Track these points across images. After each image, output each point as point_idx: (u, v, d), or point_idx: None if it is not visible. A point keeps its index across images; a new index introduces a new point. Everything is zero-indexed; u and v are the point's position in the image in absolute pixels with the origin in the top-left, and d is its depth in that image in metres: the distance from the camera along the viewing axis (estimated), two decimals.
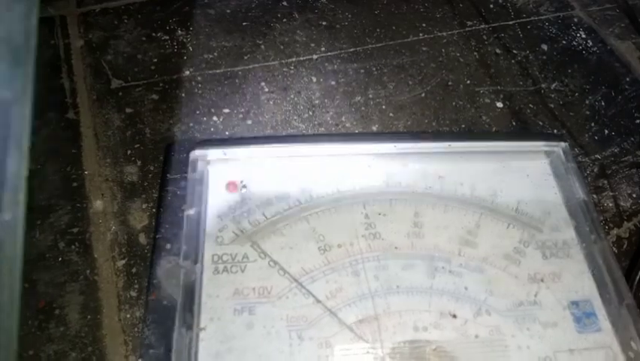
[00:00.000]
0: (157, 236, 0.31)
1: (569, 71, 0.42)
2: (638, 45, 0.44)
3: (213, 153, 0.28)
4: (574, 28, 0.44)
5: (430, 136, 0.30)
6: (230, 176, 0.28)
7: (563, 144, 0.31)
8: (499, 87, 0.40)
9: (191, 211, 0.26)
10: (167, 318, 0.27)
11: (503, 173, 0.30)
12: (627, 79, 0.42)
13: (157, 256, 0.30)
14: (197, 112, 0.37)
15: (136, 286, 0.30)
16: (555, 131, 0.38)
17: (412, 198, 0.28)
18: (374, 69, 0.40)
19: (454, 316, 0.25)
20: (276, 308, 0.25)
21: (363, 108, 0.38)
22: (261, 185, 0.28)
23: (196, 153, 0.28)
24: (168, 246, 0.30)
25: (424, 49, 0.42)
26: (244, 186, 0.28)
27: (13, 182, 0.14)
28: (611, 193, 0.36)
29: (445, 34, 0.43)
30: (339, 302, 0.25)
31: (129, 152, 0.35)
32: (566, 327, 0.25)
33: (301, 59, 0.40)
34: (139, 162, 0.34)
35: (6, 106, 0.13)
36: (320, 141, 0.30)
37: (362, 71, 0.40)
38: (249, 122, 0.37)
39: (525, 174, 0.30)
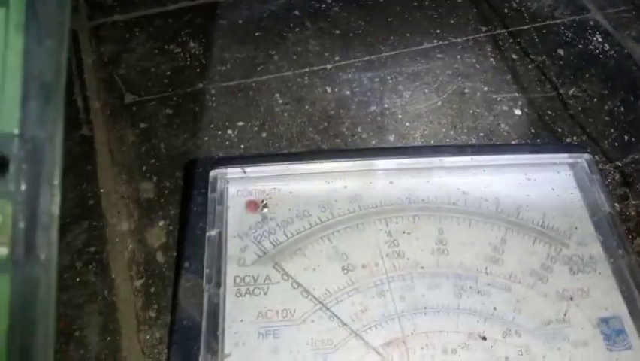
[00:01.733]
0: (177, 255, 0.31)
1: (587, 75, 0.41)
2: None
3: (233, 172, 0.28)
4: (590, 31, 0.44)
5: (452, 150, 0.29)
6: (251, 194, 0.28)
7: (586, 155, 0.30)
8: (516, 94, 0.40)
9: (213, 232, 0.26)
10: (188, 339, 0.27)
11: (528, 186, 0.29)
12: None
13: (177, 275, 0.30)
14: (212, 126, 0.36)
15: (155, 306, 0.30)
16: (575, 138, 0.38)
17: (435, 214, 0.28)
18: (389, 78, 0.40)
19: (484, 338, 0.24)
20: (301, 332, 0.24)
21: (379, 118, 0.38)
22: (282, 203, 0.28)
23: (215, 172, 0.28)
24: (187, 264, 0.30)
25: (439, 56, 0.41)
26: (265, 205, 0.28)
27: (46, 220, 0.13)
28: (633, 201, 0.35)
29: (459, 40, 0.42)
30: (365, 324, 0.24)
31: (144, 168, 0.34)
32: (597, 346, 0.25)
33: (315, 68, 0.40)
34: (155, 178, 0.34)
35: (38, 144, 0.13)
36: (340, 157, 0.29)
37: (377, 80, 0.40)
38: (264, 135, 0.36)
39: (550, 187, 0.29)
